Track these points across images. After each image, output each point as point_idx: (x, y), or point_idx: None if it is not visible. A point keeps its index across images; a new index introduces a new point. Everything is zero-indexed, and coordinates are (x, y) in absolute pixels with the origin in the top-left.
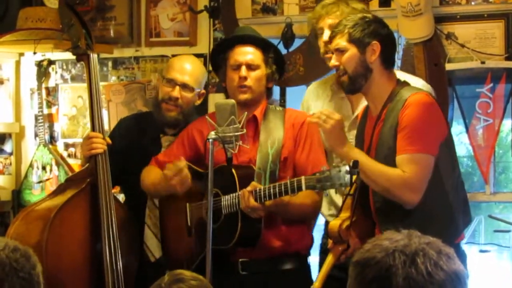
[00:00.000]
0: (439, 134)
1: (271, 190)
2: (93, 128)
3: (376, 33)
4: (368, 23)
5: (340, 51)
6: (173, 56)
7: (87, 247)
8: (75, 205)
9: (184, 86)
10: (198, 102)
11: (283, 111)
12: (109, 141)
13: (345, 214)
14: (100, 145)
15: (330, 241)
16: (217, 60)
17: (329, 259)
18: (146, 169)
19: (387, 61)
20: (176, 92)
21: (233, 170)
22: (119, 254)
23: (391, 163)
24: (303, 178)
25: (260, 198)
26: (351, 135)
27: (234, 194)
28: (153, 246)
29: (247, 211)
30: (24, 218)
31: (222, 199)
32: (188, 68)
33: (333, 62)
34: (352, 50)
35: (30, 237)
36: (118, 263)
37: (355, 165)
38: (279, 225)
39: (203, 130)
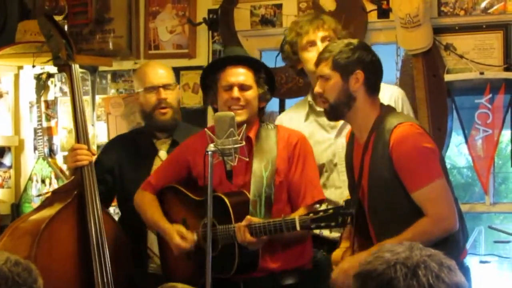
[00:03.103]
0: (435, 156)
1: (266, 227)
2: (77, 140)
3: (360, 61)
4: (353, 50)
5: (325, 78)
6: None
7: (77, 260)
8: (62, 218)
9: (165, 86)
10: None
11: (276, 130)
12: (95, 152)
13: (345, 244)
14: (85, 156)
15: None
16: (207, 82)
17: None
18: (140, 193)
19: (371, 88)
20: (162, 93)
21: (226, 200)
22: (109, 266)
23: (390, 194)
24: (297, 218)
25: (256, 233)
26: (340, 144)
27: (230, 226)
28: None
29: (244, 244)
30: (11, 233)
31: (218, 229)
32: (161, 71)
33: (317, 89)
34: (335, 78)
35: (18, 253)
36: (109, 274)
37: (348, 205)
38: (276, 246)
39: (195, 149)
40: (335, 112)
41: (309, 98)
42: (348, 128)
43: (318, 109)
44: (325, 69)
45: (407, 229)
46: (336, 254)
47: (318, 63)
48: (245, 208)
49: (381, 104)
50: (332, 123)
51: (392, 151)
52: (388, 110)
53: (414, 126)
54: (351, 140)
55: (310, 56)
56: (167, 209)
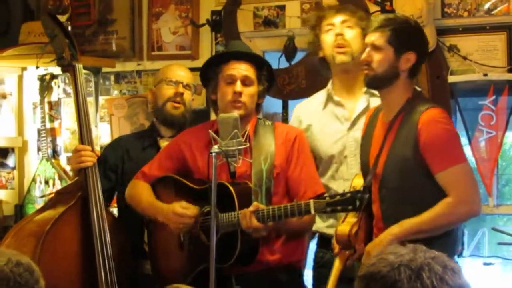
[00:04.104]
0: (459, 140)
1: (276, 212)
2: (81, 141)
3: (415, 44)
4: (411, 30)
5: (376, 48)
6: None
7: (80, 261)
8: (66, 220)
9: (185, 86)
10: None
11: (273, 126)
12: (98, 153)
13: (351, 219)
14: (89, 158)
15: (337, 247)
16: (208, 72)
17: (337, 264)
18: (133, 182)
19: (414, 71)
20: (181, 88)
21: (230, 187)
22: (113, 267)
23: (407, 174)
24: (311, 202)
25: (263, 219)
26: (351, 137)
27: (233, 213)
28: None
29: (249, 231)
30: (15, 234)
31: (220, 217)
32: (184, 72)
33: (365, 56)
34: (389, 52)
35: (22, 254)
36: (113, 275)
37: (365, 190)
38: (273, 239)
39: (191, 142)
40: (377, 82)
41: (329, 86)
42: (361, 121)
43: (336, 98)
44: (380, 39)
45: (429, 209)
46: (342, 229)
47: (373, 31)
48: (248, 197)
49: (414, 89)
50: (347, 114)
51: (421, 131)
52: (419, 95)
53: (444, 111)
54: (374, 118)
55: (328, 39)
56: (162, 199)
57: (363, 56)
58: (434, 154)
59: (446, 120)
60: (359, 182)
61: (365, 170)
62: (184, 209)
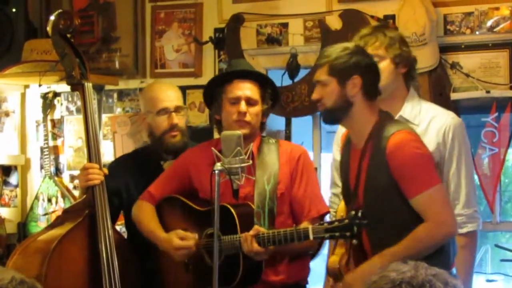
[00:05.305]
0: (432, 162)
1: (276, 237)
2: (89, 159)
3: (357, 66)
4: (350, 55)
5: (322, 84)
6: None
7: (87, 279)
8: (73, 237)
9: (177, 109)
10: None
11: (277, 144)
12: (106, 171)
13: (340, 250)
14: (97, 176)
15: (330, 280)
16: (212, 92)
17: None
18: (139, 204)
19: (369, 93)
20: (175, 118)
21: (232, 210)
22: (119, 285)
23: (386, 201)
24: (310, 228)
25: (263, 243)
26: None
27: (235, 236)
28: None
29: (250, 255)
30: (22, 251)
31: (222, 239)
32: (172, 93)
33: (314, 95)
34: (332, 84)
35: (29, 271)
36: None
37: (363, 215)
38: (278, 260)
39: (196, 161)
40: (331, 116)
41: None
42: None
43: None
44: (322, 74)
45: (406, 236)
46: (332, 260)
47: (315, 68)
48: (250, 219)
49: (380, 111)
50: None
51: (389, 158)
52: (386, 117)
53: (411, 133)
54: (348, 145)
55: None
56: (166, 220)
57: (313, 95)
58: (406, 179)
59: (414, 143)
60: (343, 209)
61: (347, 195)
62: (182, 240)
